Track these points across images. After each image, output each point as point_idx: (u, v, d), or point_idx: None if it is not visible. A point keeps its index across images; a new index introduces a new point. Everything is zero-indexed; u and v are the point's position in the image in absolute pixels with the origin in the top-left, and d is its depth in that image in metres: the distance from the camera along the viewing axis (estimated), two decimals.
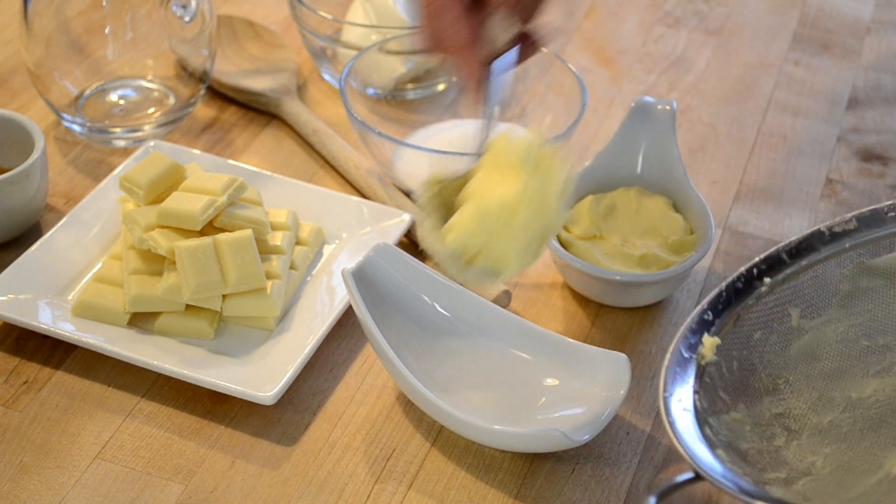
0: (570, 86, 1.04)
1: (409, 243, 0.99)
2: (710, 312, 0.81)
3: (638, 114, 1.00)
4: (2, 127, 0.98)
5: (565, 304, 0.95)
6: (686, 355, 0.79)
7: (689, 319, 0.80)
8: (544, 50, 1.07)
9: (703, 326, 0.80)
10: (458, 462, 0.84)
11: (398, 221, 0.97)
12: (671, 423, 0.74)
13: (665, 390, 0.76)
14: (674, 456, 0.84)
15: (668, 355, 0.78)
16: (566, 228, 0.96)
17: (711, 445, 0.73)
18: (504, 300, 0.92)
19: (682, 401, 0.76)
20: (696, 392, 0.77)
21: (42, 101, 1.08)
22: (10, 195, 0.94)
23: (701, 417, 0.75)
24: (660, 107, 1.00)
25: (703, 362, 0.79)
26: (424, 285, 0.89)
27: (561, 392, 0.86)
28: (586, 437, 0.81)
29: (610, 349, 0.86)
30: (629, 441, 0.85)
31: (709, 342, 0.79)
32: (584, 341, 0.88)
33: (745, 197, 1.06)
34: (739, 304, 0.82)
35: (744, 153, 1.11)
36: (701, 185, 1.06)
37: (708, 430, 0.75)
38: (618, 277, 0.91)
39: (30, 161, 0.94)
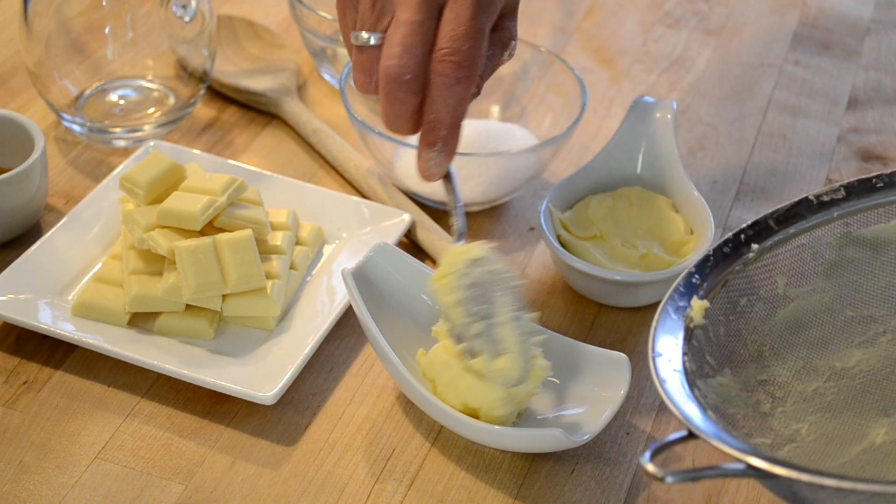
0: (570, 86, 1.04)
1: (409, 243, 0.99)
2: (697, 276, 0.81)
3: (638, 114, 1.00)
4: (2, 127, 0.98)
5: (565, 304, 0.95)
6: (674, 317, 0.79)
7: (676, 282, 0.80)
8: (544, 50, 1.07)
9: (690, 289, 0.80)
10: (458, 462, 0.84)
11: (398, 221, 0.97)
12: (661, 383, 0.74)
13: (654, 351, 0.76)
14: (674, 455, 0.84)
15: (656, 317, 0.78)
16: (566, 228, 0.96)
17: (702, 406, 0.73)
18: None
19: (671, 362, 0.76)
20: (684, 354, 0.77)
21: (42, 101, 1.08)
22: (10, 195, 0.94)
23: (690, 379, 0.75)
24: (660, 107, 1.00)
25: (691, 325, 0.79)
26: (424, 285, 0.89)
27: (561, 392, 0.86)
28: (586, 437, 0.81)
29: (610, 349, 0.86)
30: (629, 441, 0.85)
31: (698, 305, 0.79)
32: (584, 341, 0.88)
33: (745, 197, 1.06)
34: (727, 269, 0.82)
35: (744, 153, 1.11)
36: (701, 185, 1.06)
37: (697, 392, 0.75)
38: (618, 277, 0.91)
39: (30, 161, 0.94)
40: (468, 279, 0.82)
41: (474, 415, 0.82)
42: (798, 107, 1.17)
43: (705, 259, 0.82)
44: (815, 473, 0.66)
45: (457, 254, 0.83)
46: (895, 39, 1.26)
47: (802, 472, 0.66)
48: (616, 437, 0.85)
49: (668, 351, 0.76)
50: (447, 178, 0.85)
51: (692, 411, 0.72)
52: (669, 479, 0.68)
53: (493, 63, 0.84)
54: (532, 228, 1.02)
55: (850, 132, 1.14)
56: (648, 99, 1.00)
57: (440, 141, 0.81)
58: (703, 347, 0.78)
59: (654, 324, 0.78)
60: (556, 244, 0.93)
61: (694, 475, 0.69)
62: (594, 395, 0.85)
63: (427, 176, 0.83)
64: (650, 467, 0.68)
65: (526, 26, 1.23)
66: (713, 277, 0.81)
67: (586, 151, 1.09)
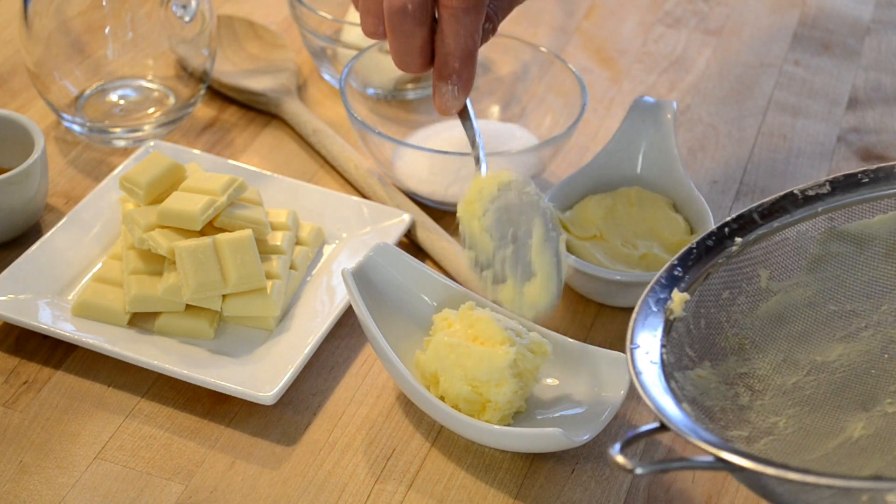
0: (570, 86, 1.04)
1: (409, 243, 0.99)
2: (680, 268, 0.81)
3: (638, 114, 1.00)
4: (2, 127, 0.98)
5: (565, 304, 0.95)
6: (654, 309, 0.79)
7: (658, 274, 0.80)
8: (544, 50, 1.07)
9: (672, 282, 0.80)
10: (458, 462, 0.84)
11: (398, 221, 0.97)
12: (637, 374, 0.74)
13: (632, 342, 0.76)
14: (674, 455, 0.84)
15: (636, 308, 0.78)
16: (566, 228, 0.96)
17: (677, 399, 0.74)
18: None
19: (648, 353, 0.76)
20: (663, 346, 0.77)
21: (42, 101, 1.08)
22: (10, 195, 0.94)
23: (667, 371, 0.75)
24: (660, 107, 1.00)
25: (671, 317, 0.79)
26: (424, 285, 0.89)
27: (561, 392, 0.86)
28: (586, 437, 0.81)
29: (610, 349, 0.86)
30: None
31: (678, 297, 0.79)
32: (584, 341, 0.88)
33: (745, 197, 1.06)
34: (709, 262, 0.82)
35: (744, 153, 1.11)
36: (701, 185, 1.06)
37: (674, 384, 0.75)
38: (618, 277, 0.91)
39: (30, 161, 0.94)
40: (497, 203, 0.82)
41: (481, 399, 0.82)
42: (798, 107, 1.17)
43: (688, 252, 0.82)
44: (781, 467, 0.66)
45: (485, 179, 0.83)
46: (895, 39, 1.26)
47: (768, 466, 0.67)
48: (616, 437, 0.85)
49: (647, 343, 0.77)
50: (464, 113, 0.86)
51: (666, 402, 0.73)
52: (639, 471, 0.68)
53: None
54: None
55: (850, 132, 1.14)
56: (648, 99, 1.00)
57: (454, 74, 0.83)
58: (683, 340, 0.78)
59: (633, 315, 0.78)
60: None
61: (663, 467, 0.69)
62: (594, 395, 0.85)
63: (443, 110, 0.85)
64: (619, 459, 0.68)
65: (526, 26, 1.23)
66: (696, 270, 0.81)
67: (586, 151, 1.09)
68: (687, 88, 1.18)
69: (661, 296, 0.79)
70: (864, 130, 1.14)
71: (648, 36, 1.24)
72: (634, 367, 0.75)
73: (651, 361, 0.75)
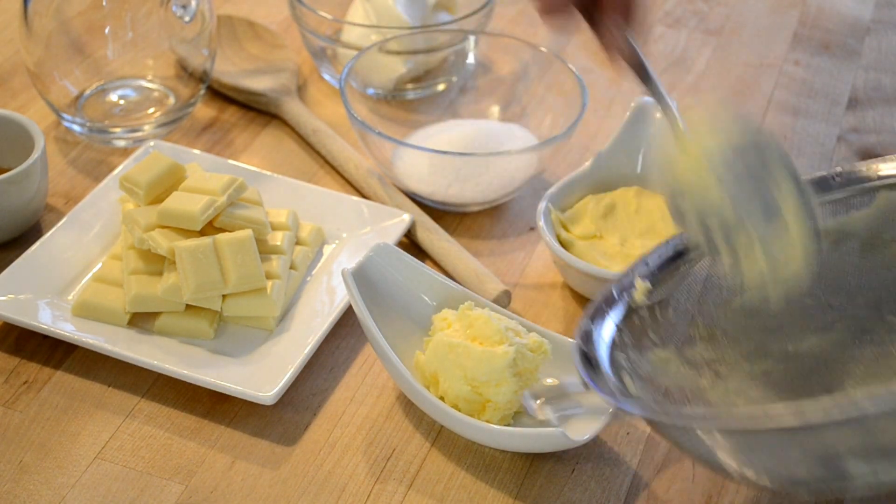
0: (570, 86, 1.04)
1: (409, 243, 0.99)
2: (649, 262, 0.83)
3: (638, 114, 1.00)
4: (2, 127, 0.98)
5: (565, 304, 0.95)
6: (616, 296, 0.81)
7: (629, 267, 0.83)
8: (544, 50, 1.07)
9: (641, 272, 0.83)
10: (458, 462, 0.84)
11: (398, 221, 0.97)
12: (576, 346, 0.77)
13: (584, 318, 0.79)
14: (674, 455, 0.84)
15: (598, 293, 0.80)
16: (566, 228, 0.96)
17: (616, 370, 0.76)
18: (504, 300, 0.92)
19: (602, 334, 0.79)
20: (618, 328, 0.79)
21: (42, 101, 1.08)
22: (10, 195, 0.94)
23: (616, 348, 0.78)
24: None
25: (633, 305, 0.81)
26: (424, 285, 0.89)
27: (561, 392, 0.86)
28: (586, 437, 0.81)
29: None
30: (629, 441, 0.85)
31: (641, 286, 0.81)
32: None
33: None
34: (682, 257, 0.83)
35: None
36: None
37: (622, 359, 0.77)
38: None
39: (30, 161, 0.94)
40: (732, 161, 0.71)
41: (481, 399, 0.82)
42: (798, 107, 1.17)
43: (661, 246, 0.84)
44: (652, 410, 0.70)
45: (704, 134, 0.73)
46: (895, 39, 1.26)
47: (637, 408, 0.70)
48: (616, 437, 0.85)
49: (602, 323, 0.79)
50: (636, 60, 0.80)
51: (596, 368, 0.75)
52: (554, 421, 0.76)
53: None
54: (532, 228, 1.02)
55: (850, 132, 1.14)
56: (648, 99, 1.00)
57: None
58: (647, 325, 0.80)
59: (595, 299, 0.80)
60: (556, 244, 0.93)
61: (565, 411, 0.77)
62: (594, 395, 0.85)
63: (611, 56, 0.82)
64: (541, 413, 0.76)
65: (525, 26, 1.23)
66: (668, 263, 0.83)
67: (586, 151, 1.09)
68: (687, 88, 1.18)
69: (625, 282, 0.82)
70: (864, 130, 1.14)
71: (648, 36, 1.24)
72: (577, 337, 0.78)
73: (601, 338, 0.78)
